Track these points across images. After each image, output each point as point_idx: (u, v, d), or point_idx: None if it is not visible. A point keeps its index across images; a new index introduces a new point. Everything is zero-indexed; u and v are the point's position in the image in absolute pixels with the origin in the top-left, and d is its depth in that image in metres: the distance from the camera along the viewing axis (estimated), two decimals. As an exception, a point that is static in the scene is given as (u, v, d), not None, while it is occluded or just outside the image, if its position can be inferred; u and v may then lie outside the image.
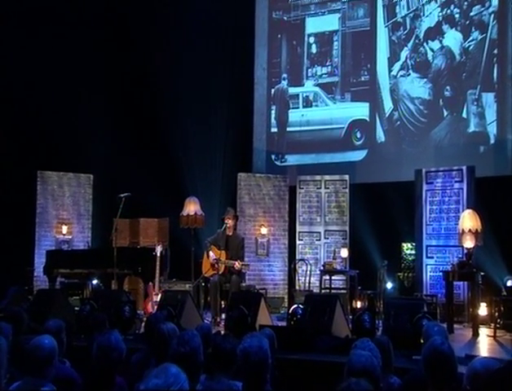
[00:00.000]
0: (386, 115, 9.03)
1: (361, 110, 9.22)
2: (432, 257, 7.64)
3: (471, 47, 8.46)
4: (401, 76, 8.96)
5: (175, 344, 2.64)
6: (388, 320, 5.22)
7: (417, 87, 8.80)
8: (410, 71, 8.90)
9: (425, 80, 8.76)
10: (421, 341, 3.53)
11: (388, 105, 9.01)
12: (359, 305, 7.29)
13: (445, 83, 8.59)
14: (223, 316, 6.58)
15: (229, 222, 7.03)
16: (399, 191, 8.22)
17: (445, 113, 8.60)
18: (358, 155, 9.18)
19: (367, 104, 9.18)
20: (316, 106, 9.62)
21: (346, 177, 8.63)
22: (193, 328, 3.15)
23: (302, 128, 9.65)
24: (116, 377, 2.79)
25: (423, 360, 2.60)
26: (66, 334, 3.47)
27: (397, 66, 9.01)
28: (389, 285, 7.77)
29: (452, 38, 8.63)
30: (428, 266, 7.65)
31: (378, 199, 8.47)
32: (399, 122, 8.93)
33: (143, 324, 5.64)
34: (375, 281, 7.35)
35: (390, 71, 9.05)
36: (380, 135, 9.07)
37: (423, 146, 8.68)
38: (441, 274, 6.83)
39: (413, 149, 8.75)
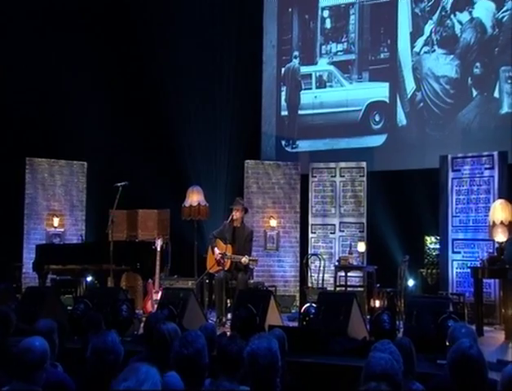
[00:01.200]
0: (408, 96, 8.97)
1: (380, 91, 9.17)
2: (459, 252, 7.60)
3: (505, 18, 8.34)
4: (425, 52, 8.87)
5: (177, 346, 2.64)
6: (410, 321, 5.22)
7: (442, 64, 8.71)
8: (435, 47, 8.80)
9: (452, 56, 8.66)
10: (447, 344, 3.51)
11: (410, 85, 8.94)
12: (377, 304, 7.29)
13: (475, 59, 8.49)
14: (229, 316, 6.62)
15: (237, 215, 7.03)
16: (422, 179, 8.19)
17: (474, 93, 8.51)
18: (376, 141, 9.14)
19: (386, 84, 9.13)
20: (331, 86, 9.59)
21: (364, 164, 8.61)
22: (196, 329, 3.15)
23: (315, 111, 9.62)
24: (113, 382, 2.79)
25: (449, 365, 2.59)
26: (58, 335, 3.49)
27: (420, 41, 8.92)
28: (410, 282, 7.77)
29: (484, 9, 8.51)
30: (454, 262, 7.61)
31: (399, 188, 8.44)
32: (422, 104, 8.86)
33: (142, 325, 5.67)
34: (395, 278, 7.34)
35: (412, 47, 8.97)
36: (401, 118, 9.02)
37: (449, 129, 8.61)
38: (469, 270, 6.81)
39: (438, 133, 8.69)
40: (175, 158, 9.69)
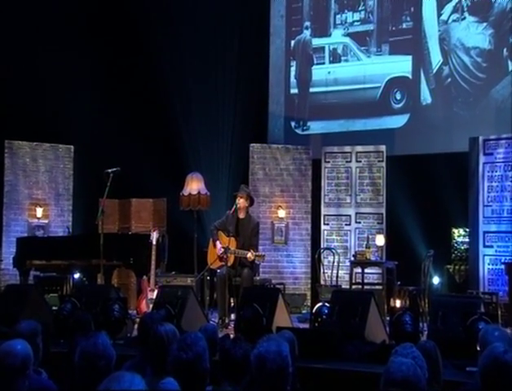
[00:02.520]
0: (434, 70, 8.92)
1: (402, 65, 9.13)
2: (491, 246, 7.59)
3: (547, -20, 8.28)
4: (454, 20, 8.81)
5: (175, 350, 2.65)
6: (435, 322, 5.23)
7: (473, 34, 8.64)
8: (465, 14, 8.73)
9: (484, 25, 8.59)
10: (478, 349, 3.51)
11: (436, 58, 8.89)
12: (398, 303, 7.31)
13: (511, 28, 8.41)
14: (233, 316, 6.68)
15: (240, 202, 7.03)
16: (449, 164, 8.17)
17: (510, 66, 8.45)
18: (397, 121, 9.13)
19: (409, 58, 9.09)
20: (346, 61, 9.57)
21: (383, 147, 8.59)
22: (196, 331, 3.15)
23: (329, 88, 9.60)
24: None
25: (480, 372, 2.59)
26: (42, 338, 3.49)
27: (448, 8, 8.85)
28: (436, 280, 7.80)
29: (521, -31, 8.45)
30: (486, 257, 7.61)
31: (423, 174, 8.44)
32: (449, 79, 8.82)
33: (135, 326, 5.70)
34: (418, 275, 7.35)
35: (439, 15, 8.90)
36: (425, 96, 8.98)
37: (480, 108, 8.57)
38: (503, 266, 6.79)
39: (468, 112, 8.65)
40: (173, 141, 9.70)
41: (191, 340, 2.66)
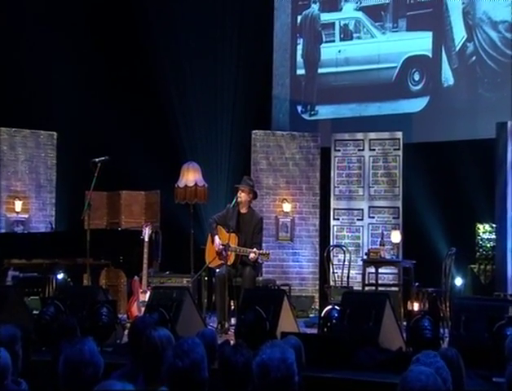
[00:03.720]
0: (457, 48, 8.91)
1: (421, 42, 9.12)
2: (521, 244, 7.59)
3: None
4: (479, -9, 8.81)
5: (171, 357, 2.65)
6: (457, 328, 5.24)
7: (502, 7, 8.60)
8: (492, -16, 8.72)
9: (514, -5, 8.59)
10: (505, 357, 3.50)
11: (460, 34, 8.87)
12: (416, 307, 7.33)
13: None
14: (233, 321, 6.70)
15: (242, 197, 7.05)
16: (473, 152, 8.17)
17: (542, 42, 8.45)
18: (415, 105, 9.13)
19: (429, 34, 9.07)
20: (359, 38, 9.57)
21: (399, 134, 8.61)
22: (194, 336, 3.15)
23: (339, 69, 9.62)
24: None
25: (508, 383, 2.57)
26: (22, 345, 3.49)
27: (473, -22, 8.86)
28: (458, 281, 7.81)
29: None
30: (515, 256, 7.61)
31: (444, 163, 8.46)
32: (474, 57, 8.80)
33: (126, 331, 5.71)
34: (438, 275, 7.35)
35: (463, -14, 8.91)
36: (447, 76, 8.97)
37: (509, 89, 8.53)
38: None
39: (495, 94, 8.63)
40: (167, 128, 9.72)
41: (187, 347, 2.66)
